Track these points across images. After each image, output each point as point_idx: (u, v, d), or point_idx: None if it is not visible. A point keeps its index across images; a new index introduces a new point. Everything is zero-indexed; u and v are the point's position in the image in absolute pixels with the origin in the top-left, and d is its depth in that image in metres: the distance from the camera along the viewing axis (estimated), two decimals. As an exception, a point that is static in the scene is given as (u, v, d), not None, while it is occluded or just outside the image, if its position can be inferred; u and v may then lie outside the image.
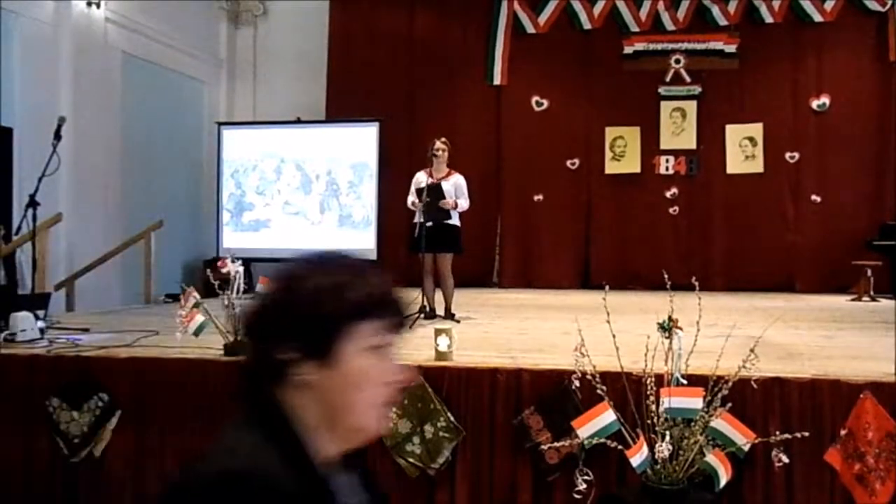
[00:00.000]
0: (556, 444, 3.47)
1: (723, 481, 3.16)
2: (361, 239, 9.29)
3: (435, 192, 6.20)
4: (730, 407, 3.23)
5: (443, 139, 6.46)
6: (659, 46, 10.36)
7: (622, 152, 10.48)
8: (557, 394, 3.63)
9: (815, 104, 10.12)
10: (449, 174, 6.43)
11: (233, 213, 9.70)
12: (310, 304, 1.19)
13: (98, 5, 8.84)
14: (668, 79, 10.35)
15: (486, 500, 3.73)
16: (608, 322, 3.29)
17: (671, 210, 10.38)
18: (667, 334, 3.33)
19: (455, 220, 6.40)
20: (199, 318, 4.19)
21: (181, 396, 4.06)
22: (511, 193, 10.73)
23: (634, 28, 10.41)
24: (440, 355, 3.94)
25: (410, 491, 3.80)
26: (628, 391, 3.34)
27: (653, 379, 3.23)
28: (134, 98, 9.57)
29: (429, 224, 6.21)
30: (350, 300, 1.19)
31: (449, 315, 6.29)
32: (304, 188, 9.52)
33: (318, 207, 9.46)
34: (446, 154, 6.41)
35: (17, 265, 6.84)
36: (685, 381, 3.31)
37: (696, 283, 3.57)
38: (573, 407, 3.54)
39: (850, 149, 9.95)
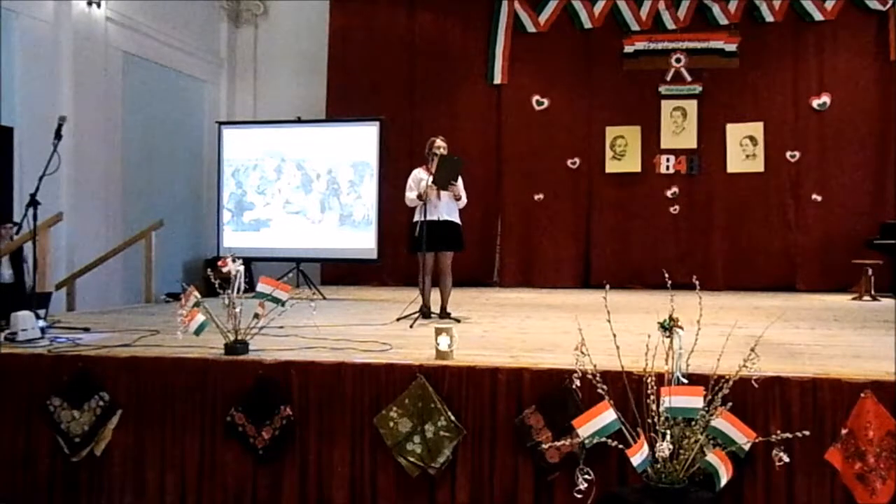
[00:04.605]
0: (557, 444, 3.47)
1: (723, 480, 3.16)
2: (362, 238, 9.28)
3: (451, 161, 6.17)
4: (730, 406, 3.23)
5: (441, 137, 6.44)
6: (659, 45, 10.37)
7: (623, 151, 10.48)
8: (558, 393, 3.63)
9: (815, 103, 10.12)
10: None
11: (233, 212, 9.70)
12: None
13: (98, 5, 8.85)
14: (668, 78, 10.35)
15: (487, 499, 3.73)
16: (609, 321, 3.29)
17: (672, 209, 10.39)
18: (667, 333, 3.33)
19: (457, 219, 6.39)
20: (200, 317, 4.18)
21: (182, 396, 4.06)
22: (511, 193, 10.74)
23: (635, 27, 10.41)
24: (441, 354, 3.94)
25: (411, 490, 3.80)
26: (629, 390, 3.33)
27: (653, 378, 3.23)
28: (134, 97, 9.58)
29: (435, 219, 6.17)
30: None
31: (445, 314, 6.28)
32: (305, 187, 9.51)
33: (319, 207, 9.46)
34: (446, 153, 6.41)
35: (23, 263, 6.85)
36: (686, 381, 3.31)
37: (697, 282, 3.57)
38: (574, 406, 3.54)
39: (851, 148, 9.96)
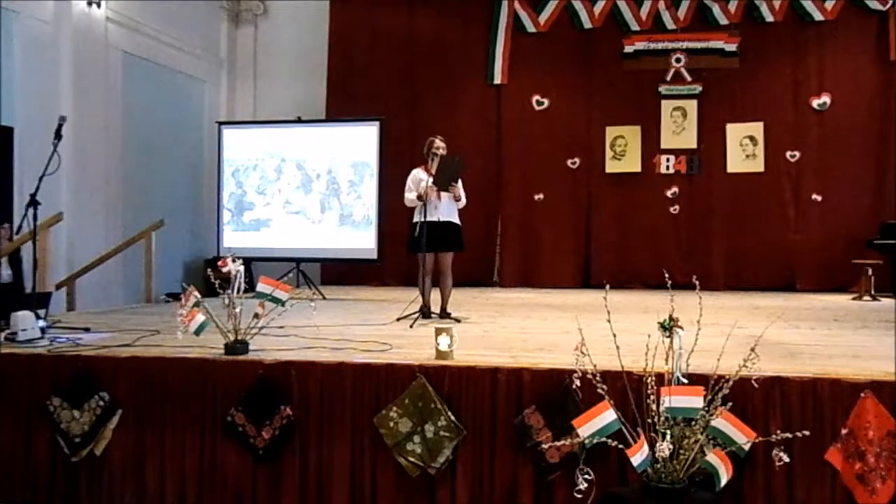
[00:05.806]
0: (557, 443, 3.47)
1: (723, 480, 3.16)
2: (362, 238, 9.28)
3: (452, 162, 6.16)
4: (730, 406, 3.23)
5: (440, 137, 6.43)
6: (659, 45, 10.37)
7: (622, 151, 10.48)
8: (558, 393, 3.63)
9: (815, 103, 10.12)
10: None
11: (233, 212, 9.69)
12: None
13: (98, 5, 8.85)
14: (668, 78, 10.35)
15: (487, 499, 3.73)
16: (609, 321, 3.29)
17: (672, 209, 10.39)
18: (667, 333, 3.33)
19: (457, 219, 6.39)
20: (200, 317, 4.19)
21: (182, 396, 4.06)
22: (511, 193, 10.74)
23: (635, 27, 10.41)
24: (441, 354, 3.94)
25: (411, 490, 3.80)
26: (629, 390, 3.33)
27: (653, 378, 3.23)
28: (134, 97, 9.58)
29: (435, 219, 6.16)
30: None
31: (445, 314, 6.27)
32: (305, 187, 9.51)
33: (319, 207, 9.46)
34: (445, 153, 6.41)
35: (20, 264, 6.86)
36: (686, 381, 3.31)
37: (697, 282, 3.57)
38: (574, 406, 3.54)
39: (851, 148, 9.96)
